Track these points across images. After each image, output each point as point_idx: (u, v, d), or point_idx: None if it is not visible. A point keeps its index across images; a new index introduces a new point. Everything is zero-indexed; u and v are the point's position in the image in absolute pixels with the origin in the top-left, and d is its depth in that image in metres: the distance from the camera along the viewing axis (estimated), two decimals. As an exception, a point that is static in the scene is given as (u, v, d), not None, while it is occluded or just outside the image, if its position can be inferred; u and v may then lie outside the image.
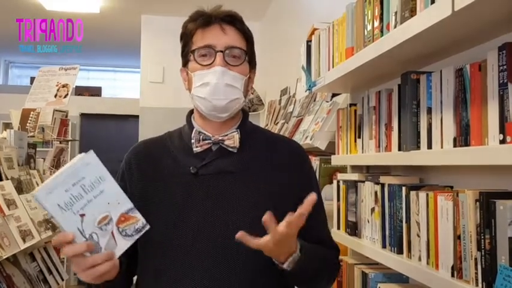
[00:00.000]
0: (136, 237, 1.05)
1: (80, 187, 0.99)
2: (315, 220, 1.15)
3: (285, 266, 1.10)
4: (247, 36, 1.24)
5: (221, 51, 1.18)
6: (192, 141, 1.21)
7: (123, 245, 1.03)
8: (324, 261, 1.23)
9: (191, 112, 1.29)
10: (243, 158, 1.21)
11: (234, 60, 1.20)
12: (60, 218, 0.98)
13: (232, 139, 1.21)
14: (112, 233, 1.02)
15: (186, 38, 1.23)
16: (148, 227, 1.06)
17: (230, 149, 1.21)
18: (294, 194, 1.15)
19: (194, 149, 1.21)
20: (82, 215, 0.99)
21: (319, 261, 1.20)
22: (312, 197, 1.03)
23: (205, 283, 1.13)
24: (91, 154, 1.01)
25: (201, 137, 1.21)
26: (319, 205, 1.19)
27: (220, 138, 1.21)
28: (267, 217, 1.01)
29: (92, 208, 1.00)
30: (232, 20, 1.22)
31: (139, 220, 1.05)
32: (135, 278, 1.26)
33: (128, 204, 1.04)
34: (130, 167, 1.25)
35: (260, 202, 1.16)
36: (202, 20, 1.20)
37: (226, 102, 1.18)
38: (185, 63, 1.25)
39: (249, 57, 1.24)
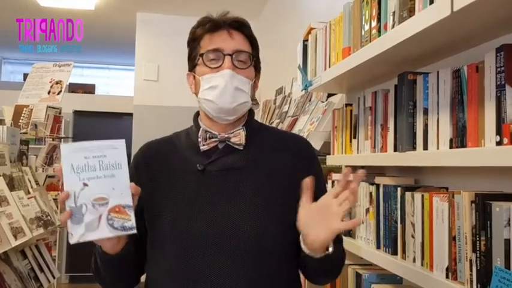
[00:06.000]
0: (119, 233, 1.04)
1: (98, 161, 1.05)
2: None
3: (330, 249, 1.12)
4: (253, 42, 1.27)
5: (229, 55, 1.20)
6: (199, 139, 1.23)
7: (102, 232, 1.03)
8: (343, 253, 1.28)
9: (198, 113, 1.30)
10: (249, 154, 1.23)
11: (242, 64, 1.22)
12: (66, 177, 1.04)
13: (238, 136, 1.23)
14: (100, 216, 1.03)
15: (194, 42, 1.25)
16: (134, 232, 1.05)
17: (236, 146, 1.23)
18: (300, 191, 1.15)
19: (201, 147, 1.23)
20: (85, 184, 1.04)
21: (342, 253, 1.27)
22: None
23: (212, 279, 1.13)
24: (122, 141, 1.07)
25: (208, 135, 1.23)
26: None
27: (226, 136, 1.23)
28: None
29: (96, 184, 1.04)
30: (240, 26, 1.24)
31: (130, 220, 1.05)
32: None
33: (129, 200, 1.06)
34: (138, 168, 1.27)
35: (266, 197, 1.18)
36: (210, 25, 1.22)
37: (234, 105, 1.19)
38: (192, 67, 1.26)
39: (255, 62, 1.26)
